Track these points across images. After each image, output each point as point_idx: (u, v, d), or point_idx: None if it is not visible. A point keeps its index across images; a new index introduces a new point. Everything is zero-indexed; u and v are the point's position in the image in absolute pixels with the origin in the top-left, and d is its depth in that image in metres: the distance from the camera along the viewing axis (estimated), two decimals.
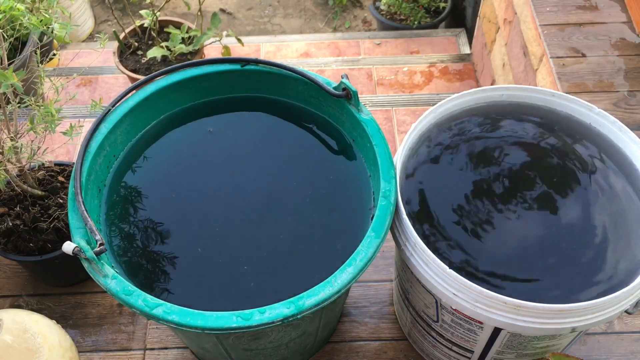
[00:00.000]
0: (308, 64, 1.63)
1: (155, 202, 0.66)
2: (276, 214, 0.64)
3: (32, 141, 0.69)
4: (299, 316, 0.50)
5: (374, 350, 0.77)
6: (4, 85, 0.57)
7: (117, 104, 0.66)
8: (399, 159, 0.62)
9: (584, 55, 1.01)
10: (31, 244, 0.75)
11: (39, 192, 0.77)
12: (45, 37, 0.66)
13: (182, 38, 1.29)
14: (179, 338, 0.77)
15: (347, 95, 0.64)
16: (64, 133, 0.63)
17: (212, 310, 0.50)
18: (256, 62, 0.69)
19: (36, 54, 0.61)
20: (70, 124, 0.64)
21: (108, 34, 1.90)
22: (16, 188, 0.75)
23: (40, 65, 0.64)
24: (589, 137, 0.66)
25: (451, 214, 0.61)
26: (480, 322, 0.56)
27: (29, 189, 0.76)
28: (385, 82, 1.52)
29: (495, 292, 0.52)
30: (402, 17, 1.84)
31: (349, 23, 2.13)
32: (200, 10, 1.29)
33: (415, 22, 1.82)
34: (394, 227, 0.59)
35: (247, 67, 0.69)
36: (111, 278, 0.53)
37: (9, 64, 0.64)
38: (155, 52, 1.25)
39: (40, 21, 0.60)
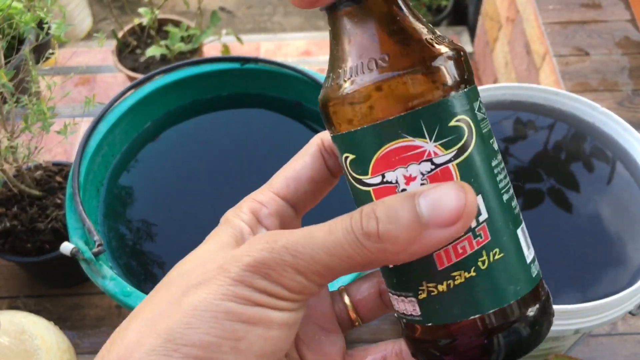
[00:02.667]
0: (309, 63, 1.62)
1: (155, 201, 0.65)
2: None
3: (29, 141, 0.69)
4: None
5: None
6: None
7: (116, 103, 0.65)
8: None
9: (587, 54, 1.00)
10: (29, 245, 0.74)
11: (37, 193, 0.76)
12: (42, 36, 0.65)
13: (181, 36, 1.29)
14: None
15: None
16: (59, 132, 0.62)
17: None
18: (256, 60, 0.68)
19: (27, 54, 0.60)
20: (65, 122, 0.63)
21: (106, 32, 1.89)
22: (13, 188, 0.74)
23: (36, 64, 0.64)
24: (593, 136, 0.65)
25: None
26: None
27: (27, 189, 0.75)
28: None
29: None
30: None
31: None
32: (199, 8, 1.29)
33: None
34: None
35: (247, 65, 0.68)
36: (110, 279, 0.52)
37: (6, 63, 0.63)
38: (154, 51, 1.25)
39: (39, 21, 0.60)
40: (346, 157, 0.20)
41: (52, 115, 0.62)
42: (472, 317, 0.19)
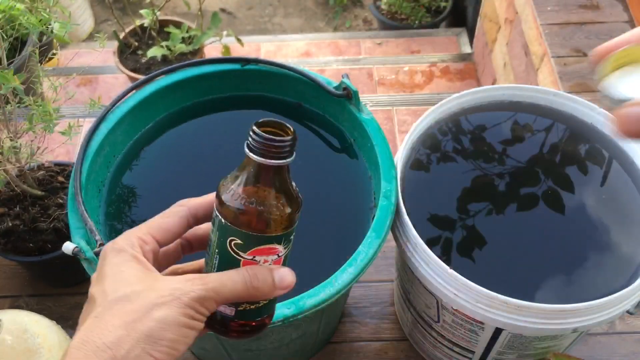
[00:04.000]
0: (309, 64, 1.63)
1: (155, 202, 0.65)
2: None
3: (31, 141, 0.69)
4: (299, 316, 0.50)
5: (375, 350, 0.77)
6: (5, 88, 0.56)
7: (117, 104, 0.65)
8: (399, 158, 0.61)
9: (585, 55, 1.00)
10: (31, 245, 0.75)
11: (39, 192, 0.77)
12: (45, 37, 0.66)
13: (182, 37, 1.29)
14: None
15: (347, 95, 0.64)
16: (62, 133, 0.63)
17: None
18: (256, 61, 0.69)
19: (35, 53, 0.61)
20: (69, 123, 0.64)
21: (108, 33, 1.90)
22: (16, 188, 0.75)
23: (39, 64, 0.64)
24: (591, 136, 0.66)
25: (454, 212, 0.60)
26: (481, 323, 0.56)
27: (29, 189, 0.75)
28: (386, 81, 1.52)
29: (496, 292, 0.51)
30: (402, 16, 1.84)
31: (349, 22, 2.13)
32: (200, 9, 1.29)
33: (416, 22, 1.81)
34: (395, 228, 0.59)
35: (248, 66, 0.69)
36: None
37: (9, 64, 0.64)
38: (155, 52, 1.25)
39: (40, 20, 0.60)
40: (232, 240, 0.34)
41: (58, 116, 0.63)
42: (258, 319, 0.37)
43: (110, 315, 0.30)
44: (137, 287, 0.31)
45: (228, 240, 0.34)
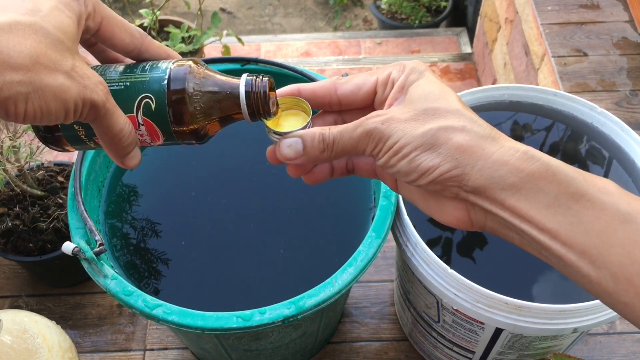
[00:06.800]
0: (309, 63, 1.63)
1: (155, 202, 0.66)
2: (276, 214, 0.64)
3: (31, 140, 0.69)
4: (299, 316, 0.50)
5: (375, 350, 0.77)
6: None
7: None
8: None
9: (585, 55, 1.00)
10: (31, 245, 0.75)
11: (39, 192, 0.77)
12: None
13: (182, 37, 1.29)
14: (179, 339, 0.77)
15: None
16: None
17: (213, 311, 0.50)
18: (256, 61, 0.69)
19: None
20: None
21: None
22: (15, 188, 0.75)
23: None
24: (591, 136, 0.66)
25: None
26: (482, 323, 0.56)
27: (29, 189, 0.75)
28: None
29: (496, 292, 0.51)
30: (403, 16, 1.84)
31: (349, 22, 2.13)
32: (200, 9, 1.29)
33: (416, 22, 1.81)
34: (395, 228, 0.59)
35: (247, 66, 0.69)
36: (111, 278, 0.52)
37: None
38: None
39: None
40: (146, 97, 0.33)
41: None
42: (69, 146, 0.37)
43: (19, 37, 0.28)
44: (66, 42, 0.30)
45: (144, 94, 0.33)
